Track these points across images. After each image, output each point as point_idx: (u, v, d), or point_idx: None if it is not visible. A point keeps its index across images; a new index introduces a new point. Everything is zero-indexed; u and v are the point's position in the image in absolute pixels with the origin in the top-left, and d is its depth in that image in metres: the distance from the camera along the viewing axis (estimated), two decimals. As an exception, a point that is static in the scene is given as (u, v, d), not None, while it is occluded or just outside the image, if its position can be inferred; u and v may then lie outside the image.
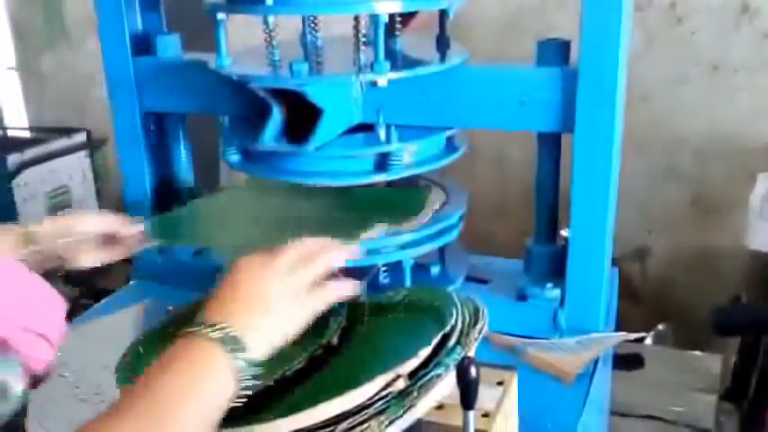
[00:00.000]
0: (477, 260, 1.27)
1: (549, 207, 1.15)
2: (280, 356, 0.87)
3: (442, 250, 1.21)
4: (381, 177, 1.07)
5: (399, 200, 1.15)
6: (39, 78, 3.23)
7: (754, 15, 2.03)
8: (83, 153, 2.84)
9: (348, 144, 1.07)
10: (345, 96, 1.06)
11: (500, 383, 0.82)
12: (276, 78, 1.02)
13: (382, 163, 1.07)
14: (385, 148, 1.06)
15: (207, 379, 0.68)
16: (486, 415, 0.77)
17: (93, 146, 2.87)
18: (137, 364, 0.89)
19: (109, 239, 1.02)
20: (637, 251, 2.28)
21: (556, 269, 1.13)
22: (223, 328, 0.71)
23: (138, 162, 1.32)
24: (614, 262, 1.17)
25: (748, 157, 2.05)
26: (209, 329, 0.71)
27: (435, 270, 1.20)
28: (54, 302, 0.72)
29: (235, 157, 1.13)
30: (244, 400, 0.77)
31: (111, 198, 2.81)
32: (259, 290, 0.76)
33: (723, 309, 1.82)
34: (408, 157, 1.08)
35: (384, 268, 1.16)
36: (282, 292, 0.77)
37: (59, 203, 2.76)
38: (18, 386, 0.64)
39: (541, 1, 2.17)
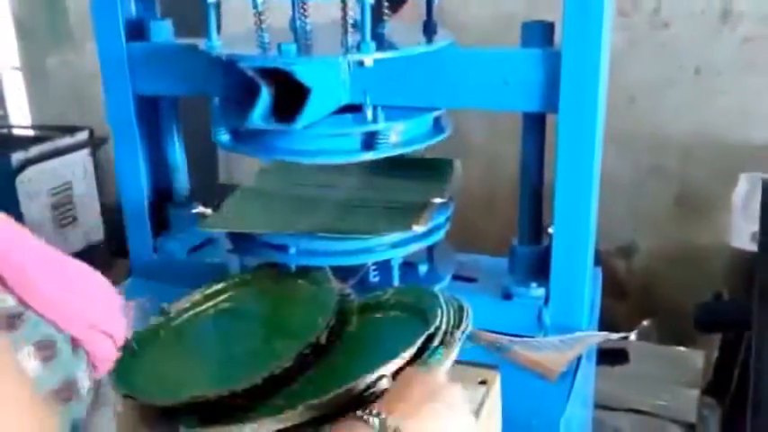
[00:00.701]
0: (464, 258, 1.27)
1: (534, 209, 1.15)
2: (269, 355, 0.87)
3: (430, 249, 1.20)
4: (368, 156, 1.06)
5: (430, 169, 1.25)
6: (42, 77, 3.21)
7: (736, 20, 2.04)
8: (85, 151, 2.82)
9: (336, 123, 1.06)
10: (333, 77, 1.05)
11: (483, 382, 0.81)
12: (265, 59, 1.01)
13: (369, 142, 1.06)
14: (372, 127, 1.05)
15: None
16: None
17: (95, 144, 2.86)
18: (131, 363, 0.89)
19: None
20: (622, 248, 2.29)
21: (540, 269, 1.13)
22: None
23: (132, 146, 1.30)
24: (600, 259, 1.17)
25: (731, 157, 2.05)
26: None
27: (423, 269, 1.20)
28: (117, 302, 0.71)
29: (225, 137, 1.12)
30: (231, 399, 0.77)
31: (111, 195, 2.81)
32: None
33: (705, 306, 1.82)
34: (395, 137, 1.07)
35: (373, 267, 1.16)
36: None
37: (62, 200, 2.76)
38: (86, 384, 0.63)
39: (531, 8, 2.16)
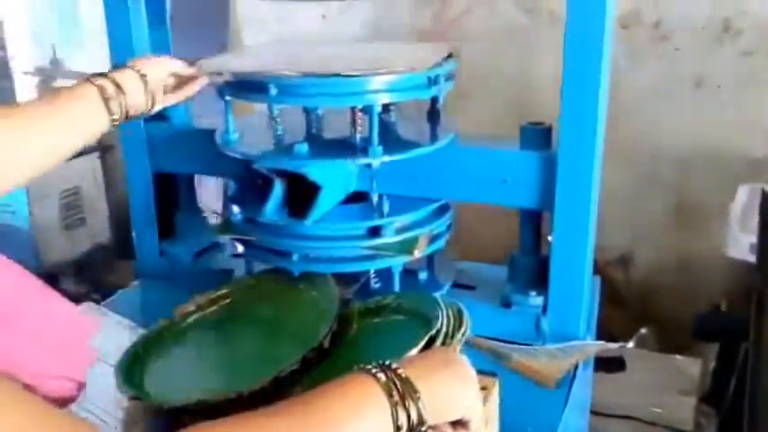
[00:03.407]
0: (464, 266, 1.28)
1: (534, 219, 1.16)
2: (273, 358, 0.88)
3: (430, 257, 1.21)
4: (374, 242, 1.09)
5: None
6: (54, 83, 3.24)
7: (736, 34, 2.04)
8: (94, 156, 2.85)
9: (344, 216, 1.10)
10: (342, 173, 1.09)
11: (482, 389, 0.82)
12: (278, 160, 1.05)
13: (375, 230, 1.09)
14: (377, 222, 1.09)
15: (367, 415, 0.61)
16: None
17: (103, 150, 2.88)
18: (136, 366, 0.90)
19: (177, 82, 1.06)
20: (621, 258, 2.29)
21: (539, 278, 1.13)
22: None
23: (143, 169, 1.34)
24: (599, 268, 1.18)
25: (729, 169, 2.05)
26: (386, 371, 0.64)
27: (423, 276, 1.20)
28: (82, 334, 0.71)
29: (238, 220, 1.14)
30: (237, 401, 0.78)
31: (119, 198, 2.83)
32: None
33: (703, 316, 1.82)
34: (400, 223, 1.10)
35: (374, 274, 1.16)
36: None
37: (71, 203, 2.78)
38: None
39: (533, 20, 2.18)
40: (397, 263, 1.11)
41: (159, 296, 1.28)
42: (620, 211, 2.17)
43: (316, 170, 1.02)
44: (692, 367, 1.84)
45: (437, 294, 0.97)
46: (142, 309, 1.29)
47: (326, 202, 1.05)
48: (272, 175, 1.04)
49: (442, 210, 1.17)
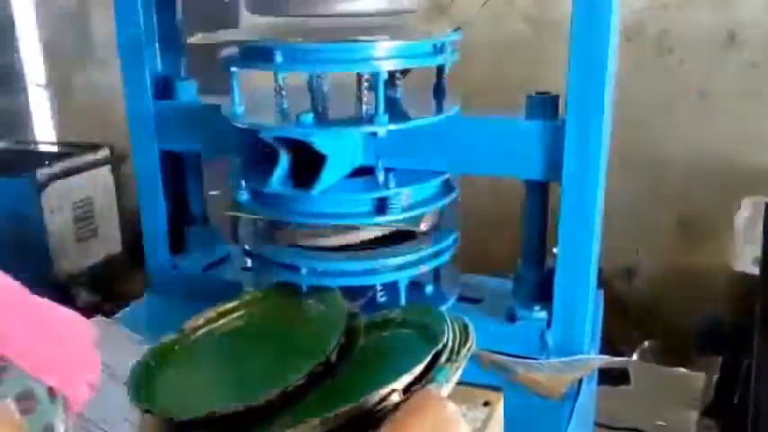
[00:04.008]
0: (469, 279, 1.28)
1: (537, 236, 1.16)
2: (281, 372, 0.88)
3: (436, 270, 1.21)
4: (380, 219, 1.08)
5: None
6: (66, 95, 3.27)
7: (741, 46, 2.04)
8: (106, 167, 2.88)
9: (350, 188, 1.09)
10: (348, 144, 1.08)
11: (486, 404, 0.82)
12: (283, 129, 1.05)
13: (381, 206, 1.08)
14: (383, 193, 1.08)
15: None
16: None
17: (115, 161, 2.91)
18: (147, 379, 0.91)
19: None
20: (625, 270, 2.28)
21: (544, 291, 1.13)
22: None
23: (153, 192, 1.34)
24: (603, 280, 1.17)
25: (733, 181, 2.04)
26: None
27: (429, 289, 1.21)
28: (92, 341, 0.72)
29: (244, 197, 1.14)
30: (246, 414, 0.79)
31: (130, 209, 2.85)
32: None
33: (705, 329, 1.82)
34: (406, 200, 1.09)
35: (381, 288, 1.17)
36: None
37: (84, 214, 2.80)
38: (61, 427, 0.65)
39: (536, 32, 2.18)
40: (403, 276, 1.12)
41: (169, 309, 1.29)
42: (624, 224, 2.17)
43: (322, 139, 1.01)
44: (695, 380, 1.83)
45: (443, 308, 0.97)
46: (152, 322, 1.30)
47: (332, 173, 1.04)
48: (278, 146, 1.03)
49: (448, 188, 1.16)
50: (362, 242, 1.14)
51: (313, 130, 1.01)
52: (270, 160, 1.05)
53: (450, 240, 1.18)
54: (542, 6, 2.20)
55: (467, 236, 1.24)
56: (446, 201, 1.14)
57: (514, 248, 1.22)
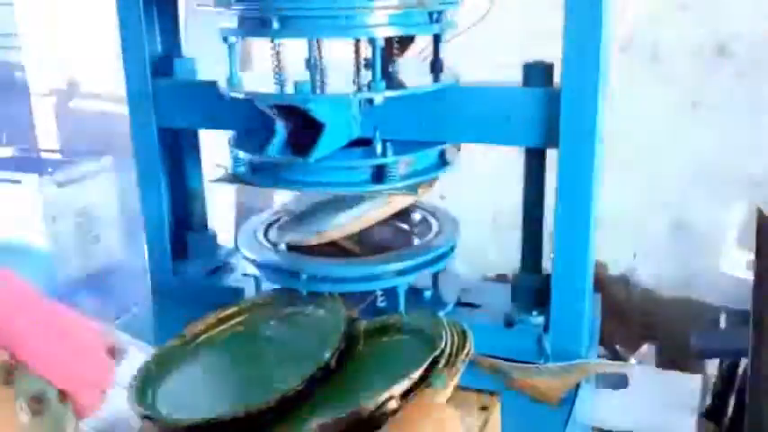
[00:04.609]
0: (468, 285, 1.28)
1: (535, 242, 1.16)
2: (281, 377, 0.88)
3: (435, 276, 1.21)
4: (378, 188, 1.07)
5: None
6: (71, 104, 3.28)
7: (731, 57, 2.05)
8: (109, 175, 2.89)
9: (347, 157, 1.08)
10: (345, 113, 1.07)
11: (484, 408, 0.82)
12: (281, 96, 1.04)
13: (379, 175, 1.08)
14: (381, 161, 1.07)
15: None
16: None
17: (117, 169, 2.92)
18: (148, 385, 0.90)
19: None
20: (623, 274, 2.28)
21: (541, 296, 1.13)
22: None
23: (155, 176, 1.33)
24: (600, 284, 1.17)
25: (726, 188, 2.05)
26: None
27: (428, 294, 1.21)
28: (103, 347, 0.71)
29: (242, 169, 1.14)
30: (247, 419, 0.78)
31: (132, 216, 2.85)
32: None
33: (701, 333, 1.82)
34: (404, 169, 1.08)
35: (380, 293, 1.17)
36: None
37: (86, 221, 2.80)
38: None
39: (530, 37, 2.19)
40: (403, 282, 1.12)
41: (171, 315, 1.29)
42: (621, 230, 2.17)
43: (319, 106, 1.00)
44: (693, 383, 1.82)
45: (441, 314, 0.97)
46: (154, 327, 1.29)
47: (329, 141, 1.03)
48: (276, 115, 1.03)
49: (444, 159, 1.15)
50: (362, 248, 1.14)
51: (310, 97, 1.01)
52: (267, 131, 1.04)
53: (448, 248, 1.18)
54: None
55: (462, 243, 1.24)
56: (444, 170, 1.13)
57: (510, 256, 1.22)
